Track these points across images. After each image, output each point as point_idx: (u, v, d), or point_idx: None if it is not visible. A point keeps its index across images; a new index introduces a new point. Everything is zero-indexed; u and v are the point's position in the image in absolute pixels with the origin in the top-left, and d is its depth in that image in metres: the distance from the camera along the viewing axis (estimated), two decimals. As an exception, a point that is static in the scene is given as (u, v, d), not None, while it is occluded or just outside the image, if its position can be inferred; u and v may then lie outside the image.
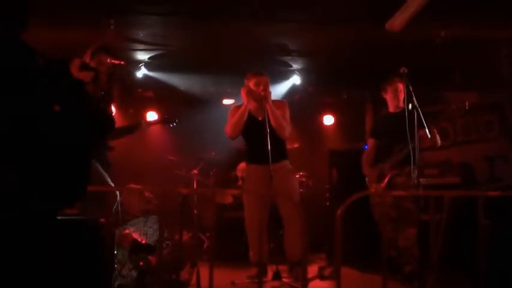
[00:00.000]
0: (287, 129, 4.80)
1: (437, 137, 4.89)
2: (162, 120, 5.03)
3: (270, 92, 4.82)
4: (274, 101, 4.97)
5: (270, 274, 4.73)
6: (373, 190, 5.08)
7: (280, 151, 4.85)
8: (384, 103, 5.41)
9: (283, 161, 4.88)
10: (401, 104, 5.16)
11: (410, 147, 4.77)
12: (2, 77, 1.75)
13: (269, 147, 4.53)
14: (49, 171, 1.77)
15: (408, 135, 4.86)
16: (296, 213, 4.50)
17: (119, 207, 4.43)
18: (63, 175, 1.82)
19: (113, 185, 4.36)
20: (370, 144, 5.43)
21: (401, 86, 5.10)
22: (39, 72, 1.87)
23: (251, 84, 4.82)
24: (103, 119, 2.11)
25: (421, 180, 4.74)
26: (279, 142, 4.82)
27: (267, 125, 4.63)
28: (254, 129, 4.74)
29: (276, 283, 4.58)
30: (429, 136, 4.78)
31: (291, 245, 4.69)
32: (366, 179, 5.28)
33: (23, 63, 1.82)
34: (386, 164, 5.07)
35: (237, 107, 4.93)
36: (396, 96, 5.18)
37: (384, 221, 5.07)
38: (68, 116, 1.89)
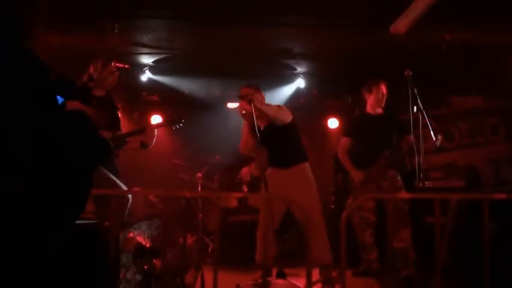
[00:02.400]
0: (284, 116, 4.73)
1: (438, 138, 4.87)
2: (167, 123, 4.98)
3: (259, 96, 4.80)
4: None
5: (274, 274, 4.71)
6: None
7: (293, 154, 4.82)
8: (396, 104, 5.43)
9: (296, 165, 4.82)
10: (380, 110, 5.27)
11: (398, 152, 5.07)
12: (15, 89, 1.75)
13: (269, 153, 4.55)
14: (50, 186, 1.77)
15: (392, 140, 5.15)
16: (312, 219, 4.48)
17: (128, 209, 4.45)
18: (64, 191, 1.82)
19: (125, 188, 4.37)
20: (344, 142, 5.44)
21: (385, 90, 5.24)
22: (51, 87, 1.87)
23: (240, 107, 4.82)
24: (101, 145, 2.10)
25: (422, 183, 4.76)
26: (291, 145, 4.80)
27: (263, 131, 4.64)
28: (263, 138, 4.72)
29: (279, 281, 4.56)
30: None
31: (313, 250, 4.59)
32: (351, 173, 5.30)
33: (34, 78, 1.81)
34: (374, 169, 5.11)
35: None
36: (379, 99, 5.25)
37: (362, 226, 5.14)
38: (70, 135, 1.89)
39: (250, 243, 5.24)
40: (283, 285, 4.53)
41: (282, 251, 5.42)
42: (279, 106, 4.85)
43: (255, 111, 4.54)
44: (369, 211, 5.14)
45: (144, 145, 4.53)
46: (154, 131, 4.55)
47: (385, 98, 5.26)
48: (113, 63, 4.40)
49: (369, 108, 5.34)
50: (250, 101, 4.63)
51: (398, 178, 5.16)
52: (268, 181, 4.73)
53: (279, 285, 4.53)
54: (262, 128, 4.75)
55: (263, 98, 4.87)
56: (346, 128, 5.65)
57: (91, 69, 4.29)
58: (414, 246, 4.96)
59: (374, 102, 5.27)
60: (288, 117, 4.76)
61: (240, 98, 4.73)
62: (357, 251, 5.25)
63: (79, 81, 4.17)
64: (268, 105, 4.75)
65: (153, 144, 4.62)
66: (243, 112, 4.65)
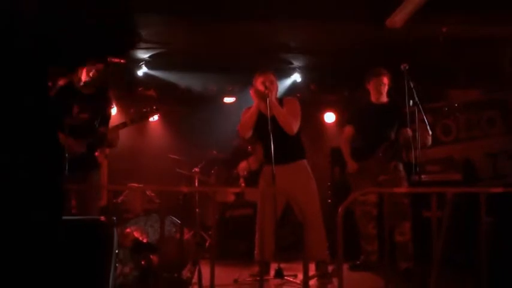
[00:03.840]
0: (294, 126, 4.74)
1: (428, 137, 4.86)
2: (130, 121, 4.74)
3: (275, 89, 4.80)
4: (284, 98, 4.96)
5: (272, 272, 4.71)
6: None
7: (293, 151, 4.80)
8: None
9: (296, 161, 4.82)
10: (383, 98, 5.22)
11: (397, 144, 5.02)
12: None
13: (273, 146, 4.50)
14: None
15: (392, 131, 5.11)
16: (311, 215, 4.49)
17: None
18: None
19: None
20: (347, 131, 5.41)
21: (385, 80, 5.17)
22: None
23: (258, 83, 4.79)
24: None
25: (418, 176, 4.76)
26: (291, 141, 4.78)
27: (270, 123, 4.59)
28: (266, 128, 4.69)
29: (277, 281, 4.56)
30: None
31: (310, 245, 4.60)
32: (347, 168, 5.29)
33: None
34: (370, 162, 5.10)
35: (249, 108, 4.89)
36: (378, 89, 5.19)
37: (366, 220, 5.15)
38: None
39: (248, 237, 5.24)
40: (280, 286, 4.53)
41: (279, 245, 5.41)
42: (294, 114, 4.78)
43: (269, 107, 4.55)
44: (371, 205, 5.14)
45: (110, 145, 4.53)
46: (117, 132, 4.53)
47: (385, 88, 5.19)
48: (98, 63, 4.41)
49: (372, 98, 5.29)
50: (265, 97, 4.61)
51: (401, 168, 5.13)
52: (266, 177, 4.73)
53: (276, 285, 4.53)
54: (269, 117, 4.70)
55: (277, 89, 4.89)
56: (349, 116, 5.55)
57: (83, 74, 4.29)
58: (412, 240, 4.97)
59: (374, 91, 5.22)
60: (295, 129, 4.74)
61: (257, 88, 4.71)
62: (355, 244, 5.25)
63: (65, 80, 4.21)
64: (282, 112, 4.70)
65: (117, 144, 4.61)
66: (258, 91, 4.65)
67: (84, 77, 4.31)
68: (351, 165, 5.24)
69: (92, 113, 4.40)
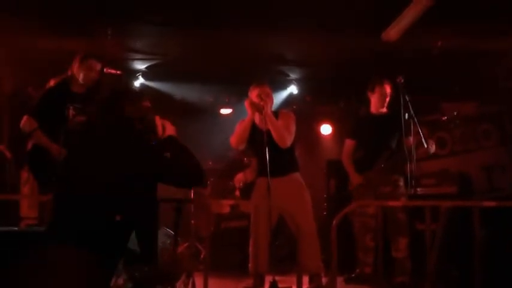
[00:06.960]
0: (288, 140, 4.72)
1: (431, 145, 4.84)
2: None
3: (270, 102, 4.77)
4: (279, 112, 4.94)
5: (266, 285, 4.69)
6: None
7: (287, 163, 4.79)
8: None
9: (290, 174, 4.81)
10: (385, 109, 5.18)
11: (397, 155, 4.91)
12: None
13: (267, 159, 4.48)
14: None
15: (393, 141, 5.02)
16: (305, 228, 4.48)
17: None
18: None
19: None
20: (348, 145, 5.29)
21: (389, 90, 5.12)
22: None
23: (253, 95, 4.77)
24: None
25: (414, 189, 4.75)
26: (284, 154, 4.76)
27: (266, 136, 4.57)
28: (259, 140, 4.67)
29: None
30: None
31: (304, 258, 4.59)
32: (351, 183, 5.23)
33: None
34: (373, 173, 5.07)
35: (244, 120, 4.86)
36: (382, 99, 5.12)
37: (363, 231, 5.12)
38: None
39: (243, 249, 5.21)
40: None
41: (274, 257, 5.39)
42: (289, 128, 4.74)
43: (264, 120, 4.54)
44: (370, 217, 5.09)
45: None
46: None
47: (388, 98, 5.12)
48: (98, 62, 4.38)
49: (372, 108, 5.23)
50: (261, 110, 4.59)
51: (401, 183, 5.04)
52: (259, 189, 4.71)
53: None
54: (264, 131, 4.66)
55: (273, 101, 4.86)
56: (350, 130, 5.45)
57: (76, 64, 4.31)
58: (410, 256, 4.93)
59: (377, 102, 5.15)
60: (289, 142, 4.70)
61: (253, 100, 4.69)
62: (350, 257, 5.22)
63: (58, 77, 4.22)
64: (277, 125, 4.65)
65: None
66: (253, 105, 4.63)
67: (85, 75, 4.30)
68: (355, 179, 5.14)
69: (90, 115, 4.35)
